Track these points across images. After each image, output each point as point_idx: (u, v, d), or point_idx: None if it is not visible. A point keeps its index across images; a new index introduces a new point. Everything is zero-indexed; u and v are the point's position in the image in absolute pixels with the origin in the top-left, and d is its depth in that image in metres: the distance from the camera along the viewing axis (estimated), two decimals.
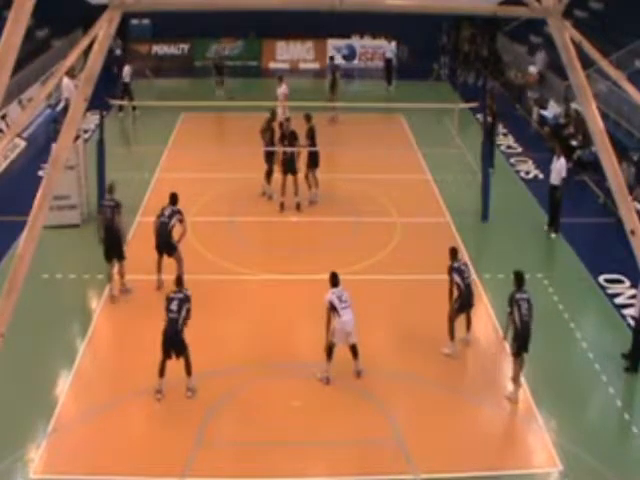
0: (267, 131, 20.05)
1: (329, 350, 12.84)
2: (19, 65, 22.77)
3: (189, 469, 11.06)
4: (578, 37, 9.29)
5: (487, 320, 14.95)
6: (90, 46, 9.47)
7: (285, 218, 19.28)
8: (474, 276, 15.23)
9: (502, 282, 15.20)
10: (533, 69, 29.35)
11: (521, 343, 12.53)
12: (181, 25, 31.15)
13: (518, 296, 12.63)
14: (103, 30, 9.41)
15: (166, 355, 12.42)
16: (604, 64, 9.51)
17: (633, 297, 15.20)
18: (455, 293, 13.69)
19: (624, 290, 16.09)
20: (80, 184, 18.63)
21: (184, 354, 12.47)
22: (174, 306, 12.42)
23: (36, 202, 8.11)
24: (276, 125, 20.28)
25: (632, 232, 8.78)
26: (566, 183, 18.70)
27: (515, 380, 12.72)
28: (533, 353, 12.75)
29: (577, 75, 9.35)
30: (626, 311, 15.21)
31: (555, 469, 11.36)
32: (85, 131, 21.99)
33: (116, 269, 15.51)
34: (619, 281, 16.42)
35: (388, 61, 32.00)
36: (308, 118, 19.92)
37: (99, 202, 16.83)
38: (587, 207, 20.38)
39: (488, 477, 11.17)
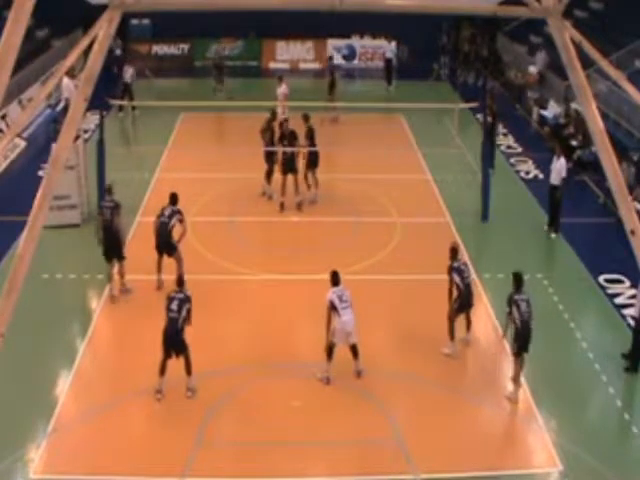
0: (267, 131, 20.06)
1: (329, 350, 12.84)
2: (19, 65, 22.77)
3: (189, 469, 11.07)
4: (578, 37, 9.29)
5: (487, 320, 14.94)
6: (90, 46, 9.48)
7: (285, 218, 19.28)
8: (474, 276, 15.23)
9: (502, 282, 15.19)
10: (533, 69, 29.35)
11: (521, 343, 12.53)
12: (181, 25, 31.14)
13: (517, 297, 12.64)
14: (103, 30, 9.41)
15: (167, 354, 12.43)
16: (604, 64, 9.51)
17: (633, 297, 15.20)
18: (455, 293, 13.69)
19: (624, 290, 16.09)
20: (80, 184, 18.64)
21: (184, 354, 12.48)
22: (174, 306, 12.43)
23: (36, 202, 8.12)
24: (276, 125, 20.28)
25: (632, 232, 8.79)
26: (566, 183, 18.70)
27: (515, 380, 12.72)
28: (533, 353, 12.75)
29: (577, 75, 9.36)
30: (626, 311, 15.21)
31: (555, 469, 11.36)
32: (85, 131, 22.00)
33: (116, 269, 15.50)
34: (619, 281, 16.42)
35: (388, 61, 32.00)
36: (306, 118, 19.92)
37: (99, 202, 16.83)
38: (587, 207, 20.38)
39: (488, 477, 11.17)
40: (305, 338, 14.43)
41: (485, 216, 19.26)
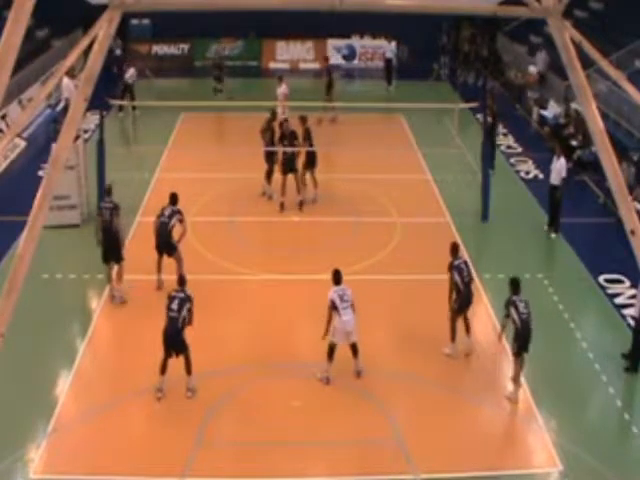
0: (267, 131, 20.06)
1: (330, 350, 12.84)
2: (19, 65, 22.77)
3: (189, 469, 11.07)
4: (578, 37, 9.29)
5: (487, 320, 14.94)
6: (90, 46, 9.48)
7: (285, 218, 19.28)
8: (474, 276, 15.20)
9: (502, 282, 15.11)
10: (533, 69, 29.35)
11: (521, 343, 12.53)
12: (181, 25, 31.13)
13: (515, 298, 12.65)
14: (103, 30, 9.41)
15: (167, 354, 12.44)
16: (604, 64, 9.51)
17: (633, 297, 15.20)
18: (455, 292, 13.67)
19: (624, 290, 16.09)
20: (80, 184, 18.63)
21: (184, 353, 12.48)
22: (175, 305, 12.43)
23: (36, 202, 8.11)
24: (276, 125, 20.28)
25: (632, 232, 8.79)
26: (566, 183, 18.70)
27: (515, 380, 12.71)
28: (533, 353, 12.75)
29: (577, 75, 9.35)
30: (626, 311, 15.21)
31: (555, 469, 11.36)
32: (85, 131, 22.00)
33: (115, 270, 15.46)
34: (619, 281, 16.42)
35: (388, 61, 31.99)
36: (303, 120, 19.91)
37: (99, 203, 16.82)
38: (587, 207, 20.38)
39: (488, 477, 11.18)
40: (305, 338, 14.43)
41: (485, 216, 19.26)
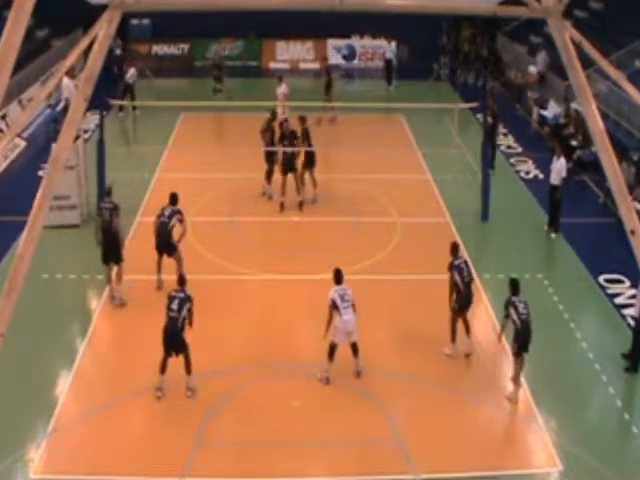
0: (267, 131, 20.06)
1: (331, 350, 12.84)
2: (19, 65, 22.77)
3: (189, 469, 11.07)
4: (578, 37, 9.29)
5: (487, 320, 14.94)
6: (90, 46, 9.48)
7: (285, 218, 19.28)
8: (474, 276, 15.20)
9: (502, 282, 15.11)
10: (533, 69, 29.35)
11: (521, 343, 12.53)
12: (181, 25, 31.13)
13: (514, 299, 12.64)
14: (103, 30, 9.41)
15: (167, 353, 12.44)
16: (604, 64, 9.51)
17: (633, 297, 15.20)
18: (455, 292, 13.66)
19: (624, 290, 16.09)
20: (80, 184, 18.63)
21: (184, 353, 12.49)
22: (175, 305, 12.44)
23: (36, 202, 8.11)
24: (276, 125, 20.28)
25: (632, 232, 8.79)
26: (566, 183, 18.70)
27: (515, 380, 12.71)
28: (533, 353, 12.75)
29: (577, 75, 9.36)
30: (626, 311, 15.21)
31: (555, 469, 11.36)
32: (85, 131, 21.99)
33: (114, 272, 15.44)
34: (619, 281, 16.42)
35: (388, 62, 31.99)
36: (302, 120, 19.90)
37: (99, 203, 16.82)
38: (587, 207, 20.38)
39: (488, 477, 11.18)
40: (305, 338, 14.43)
41: (485, 216, 19.26)
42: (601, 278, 16.59)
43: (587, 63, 10.42)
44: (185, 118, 26.23)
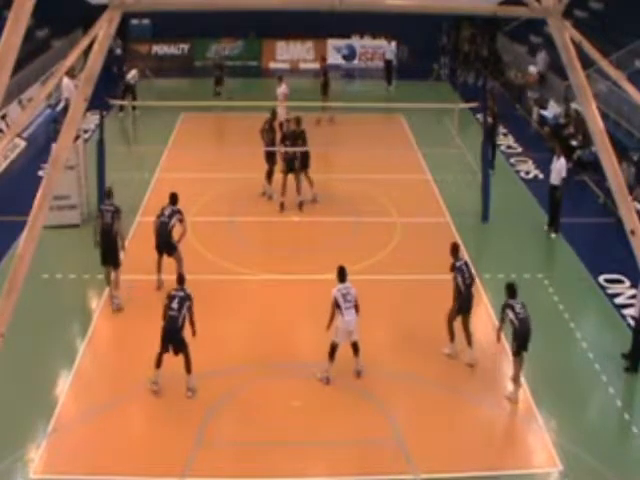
0: (267, 131, 20.06)
1: (332, 350, 12.83)
2: (19, 65, 22.77)
3: (189, 469, 11.07)
4: (578, 37, 9.29)
5: (487, 320, 14.92)
6: (90, 46, 9.48)
7: (285, 218, 19.28)
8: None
9: (502, 282, 15.03)
10: (533, 69, 29.36)
11: (520, 342, 12.53)
12: (181, 25, 31.14)
13: (511, 301, 12.62)
14: (103, 30, 9.41)
15: (164, 349, 12.44)
16: (604, 64, 9.51)
17: (633, 297, 15.20)
18: (455, 294, 13.63)
19: (624, 290, 16.09)
20: (80, 184, 18.63)
21: (184, 352, 12.49)
22: (175, 304, 12.45)
23: (36, 202, 8.12)
24: (277, 125, 20.27)
25: (632, 232, 8.79)
26: (566, 183, 18.70)
27: (515, 380, 12.71)
28: (533, 353, 12.75)
29: (577, 75, 9.35)
30: (626, 311, 15.21)
31: (555, 469, 11.36)
32: (85, 131, 21.99)
33: (112, 276, 15.40)
34: (619, 281, 16.42)
35: (388, 62, 31.99)
36: (298, 122, 19.88)
37: (99, 203, 16.81)
38: (587, 207, 20.38)
39: (488, 477, 11.18)
40: (305, 338, 14.44)
41: (485, 216, 19.25)
42: (601, 278, 16.59)
43: (587, 63, 10.42)
44: (185, 118, 26.23)
